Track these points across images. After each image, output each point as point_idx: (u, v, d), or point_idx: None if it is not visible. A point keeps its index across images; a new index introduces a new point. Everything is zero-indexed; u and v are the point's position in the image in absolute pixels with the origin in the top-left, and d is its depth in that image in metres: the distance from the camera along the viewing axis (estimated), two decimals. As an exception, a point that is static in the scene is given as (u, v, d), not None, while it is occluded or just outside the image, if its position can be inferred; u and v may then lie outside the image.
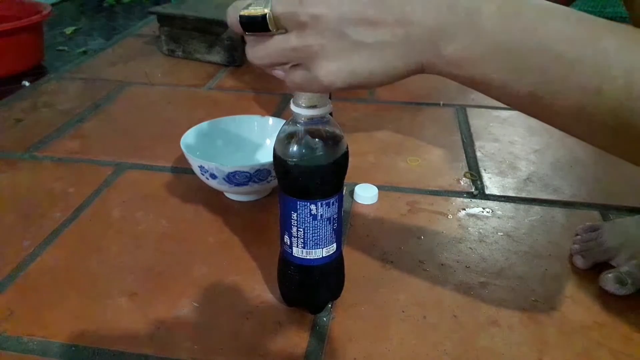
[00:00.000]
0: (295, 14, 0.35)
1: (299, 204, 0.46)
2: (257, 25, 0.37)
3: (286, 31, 0.36)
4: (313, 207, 0.46)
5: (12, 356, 0.48)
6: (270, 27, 0.36)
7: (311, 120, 0.44)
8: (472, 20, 0.32)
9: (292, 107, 0.44)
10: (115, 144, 0.85)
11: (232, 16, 0.38)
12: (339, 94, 0.98)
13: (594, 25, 0.32)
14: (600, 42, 0.31)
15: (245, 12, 0.37)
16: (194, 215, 0.68)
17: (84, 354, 0.48)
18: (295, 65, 0.38)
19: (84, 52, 1.33)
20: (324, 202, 0.46)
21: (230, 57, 1.18)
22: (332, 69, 0.35)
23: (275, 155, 0.46)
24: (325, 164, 0.45)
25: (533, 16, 0.32)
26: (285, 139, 0.45)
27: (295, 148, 0.44)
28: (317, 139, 0.44)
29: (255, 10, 0.36)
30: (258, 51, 0.38)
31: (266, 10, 0.36)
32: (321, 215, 0.46)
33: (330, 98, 0.45)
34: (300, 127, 0.44)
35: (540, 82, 0.32)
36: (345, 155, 0.46)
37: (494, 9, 0.32)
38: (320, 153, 0.44)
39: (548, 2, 0.33)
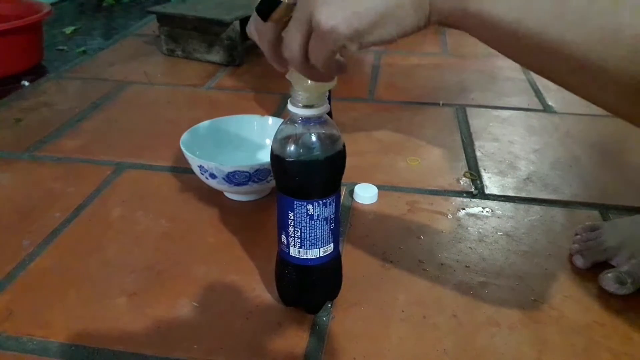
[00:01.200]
0: None
1: (296, 203, 0.46)
2: (271, 3, 0.38)
3: None
4: (310, 207, 0.46)
5: (12, 356, 0.48)
6: None
7: (308, 120, 0.44)
8: None
9: (289, 107, 0.44)
10: (115, 144, 0.85)
11: (251, 23, 0.40)
12: (351, 60, 0.98)
13: None
14: None
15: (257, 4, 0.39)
16: (194, 215, 0.68)
17: (83, 353, 0.48)
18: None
19: (84, 52, 1.33)
20: (320, 202, 0.46)
21: (230, 56, 1.18)
22: (333, 11, 0.33)
23: (272, 155, 0.46)
24: (321, 164, 0.44)
25: None
26: (283, 138, 0.45)
27: (292, 148, 0.44)
28: (313, 139, 0.44)
29: None
30: (287, 39, 0.38)
31: None
32: (318, 215, 0.46)
33: (329, 98, 0.45)
34: (297, 127, 0.44)
35: (556, 19, 0.31)
36: (342, 155, 0.46)
37: None
38: (317, 153, 0.44)
39: None
